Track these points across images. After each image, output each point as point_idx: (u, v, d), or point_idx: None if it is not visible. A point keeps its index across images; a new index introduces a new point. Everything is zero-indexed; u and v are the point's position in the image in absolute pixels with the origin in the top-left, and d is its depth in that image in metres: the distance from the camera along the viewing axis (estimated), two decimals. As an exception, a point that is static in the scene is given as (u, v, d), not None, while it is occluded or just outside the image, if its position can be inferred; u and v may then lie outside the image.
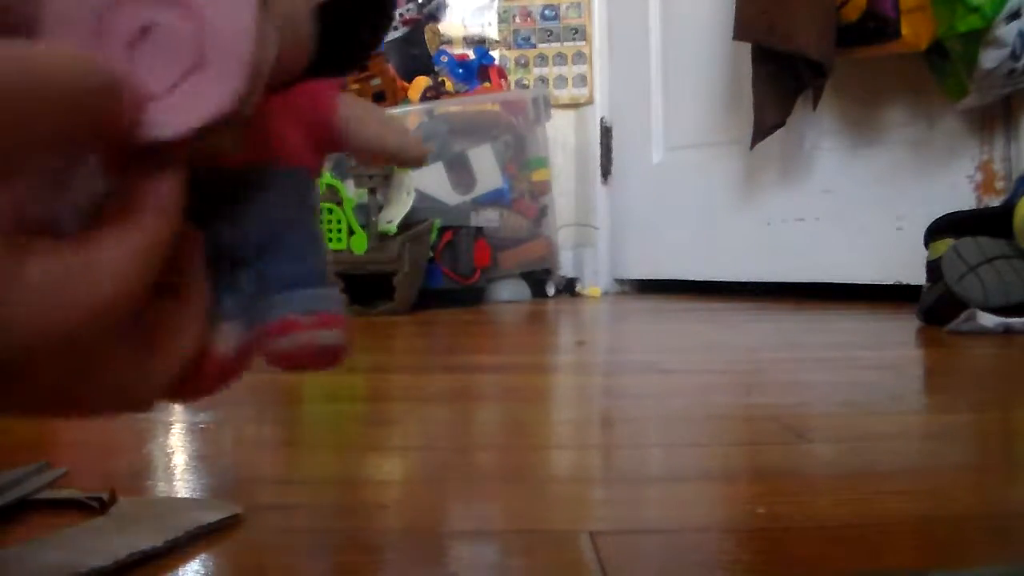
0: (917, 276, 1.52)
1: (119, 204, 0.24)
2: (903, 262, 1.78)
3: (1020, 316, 1.25)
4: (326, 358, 0.28)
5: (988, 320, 1.25)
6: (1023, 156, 1.71)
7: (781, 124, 1.93)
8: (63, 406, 0.24)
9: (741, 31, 1.90)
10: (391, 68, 2.24)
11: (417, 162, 0.31)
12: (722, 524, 0.42)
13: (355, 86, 2.12)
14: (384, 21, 0.32)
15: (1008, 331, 1.23)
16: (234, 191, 0.27)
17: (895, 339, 1.30)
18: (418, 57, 2.43)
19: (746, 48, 1.94)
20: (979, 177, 1.78)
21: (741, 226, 2.25)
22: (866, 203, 1.95)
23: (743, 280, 2.24)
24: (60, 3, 0.24)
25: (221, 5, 0.24)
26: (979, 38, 1.56)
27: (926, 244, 1.48)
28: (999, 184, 1.75)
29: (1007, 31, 1.53)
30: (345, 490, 0.48)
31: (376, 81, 2.17)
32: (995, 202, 1.70)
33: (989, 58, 1.56)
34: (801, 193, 2.10)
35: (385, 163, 0.30)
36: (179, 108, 0.24)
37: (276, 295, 0.28)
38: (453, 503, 0.46)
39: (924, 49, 1.66)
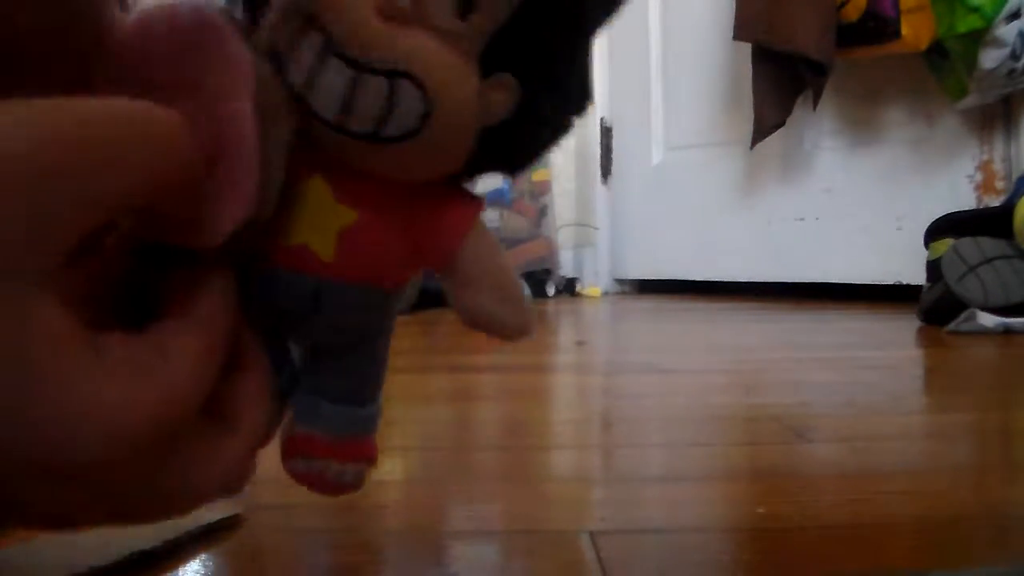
0: (917, 276, 1.52)
1: (176, 294, 0.23)
2: (903, 262, 1.78)
3: (1020, 316, 1.25)
4: (332, 490, 0.27)
5: (988, 320, 1.25)
6: (1023, 156, 1.71)
7: (781, 124, 1.93)
8: (123, 511, 0.22)
9: (741, 31, 1.90)
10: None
11: (518, 338, 0.27)
12: (722, 524, 0.41)
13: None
14: (540, 150, 0.26)
15: (1008, 331, 1.23)
16: (315, 297, 0.25)
17: (895, 339, 1.30)
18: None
19: (746, 48, 1.94)
20: (979, 177, 1.78)
21: (741, 226, 2.25)
22: (866, 203, 1.95)
23: (743, 280, 2.24)
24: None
25: (225, 95, 0.22)
26: (979, 38, 1.56)
27: (926, 244, 1.48)
28: (999, 184, 1.75)
29: (1007, 31, 1.53)
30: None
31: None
32: (995, 202, 1.70)
33: (989, 58, 1.56)
34: (801, 193, 2.10)
35: (480, 329, 0.27)
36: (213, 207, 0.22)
37: (321, 403, 0.27)
38: (453, 503, 0.46)
39: (924, 49, 1.66)
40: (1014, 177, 1.67)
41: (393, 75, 0.22)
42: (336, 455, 0.27)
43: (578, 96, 0.25)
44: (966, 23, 1.55)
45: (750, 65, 1.93)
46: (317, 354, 0.27)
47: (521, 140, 0.25)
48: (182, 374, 0.21)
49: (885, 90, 1.90)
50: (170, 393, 0.20)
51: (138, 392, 0.19)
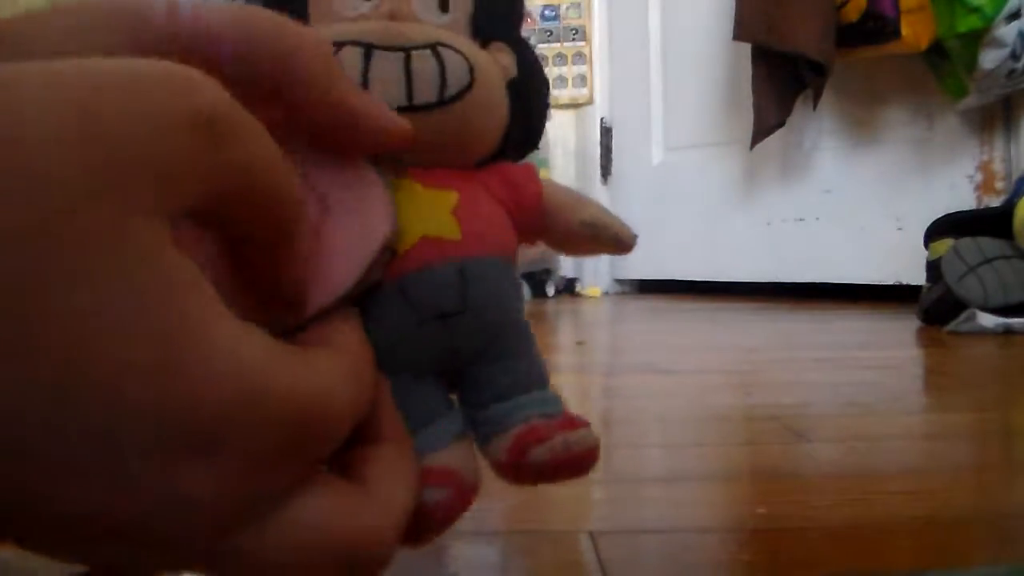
0: (917, 276, 1.52)
1: (314, 334, 0.21)
2: (903, 262, 1.78)
3: (1020, 316, 1.25)
4: (582, 464, 0.25)
5: (988, 320, 1.25)
6: (1023, 156, 1.71)
7: (781, 124, 1.93)
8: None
9: (741, 31, 1.90)
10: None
11: (627, 246, 0.28)
12: (722, 524, 0.42)
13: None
14: (546, 105, 0.30)
15: (1008, 331, 1.23)
16: (461, 281, 0.24)
17: (895, 339, 1.30)
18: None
19: (746, 48, 1.94)
20: (979, 177, 1.78)
21: (741, 226, 2.25)
22: (866, 203, 1.95)
23: (743, 280, 2.24)
24: None
25: (319, 158, 0.22)
26: (979, 38, 1.56)
27: (926, 244, 1.48)
28: (999, 184, 1.75)
29: (1007, 31, 1.53)
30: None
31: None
32: (995, 202, 1.70)
33: (989, 58, 1.56)
34: (801, 193, 2.10)
35: (589, 251, 0.29)
36: (328, 269, 0.21)
37: (508, 401, 0.25)
38: (453, 503, 0.46)
39: (924, 49, 1.66)
40: (1014, 177, 1.67)
41: (433, 46, 0.25)
42: (564, 427, 0.24)
43: (536, 58, 0.29)
44: (966, 23, 1.55)
45: (750, 65, 1.93)
46: (476, 367, 0.25)
47: (533, 94, 0.28)
48: (329, 372, 0.19)
49: (885, 90, 1.90)
50: (317, 384, 0.18)
51: (285, 368, 0.17)
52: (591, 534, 0.38)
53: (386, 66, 0.24)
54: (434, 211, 0.24)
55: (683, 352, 1.19)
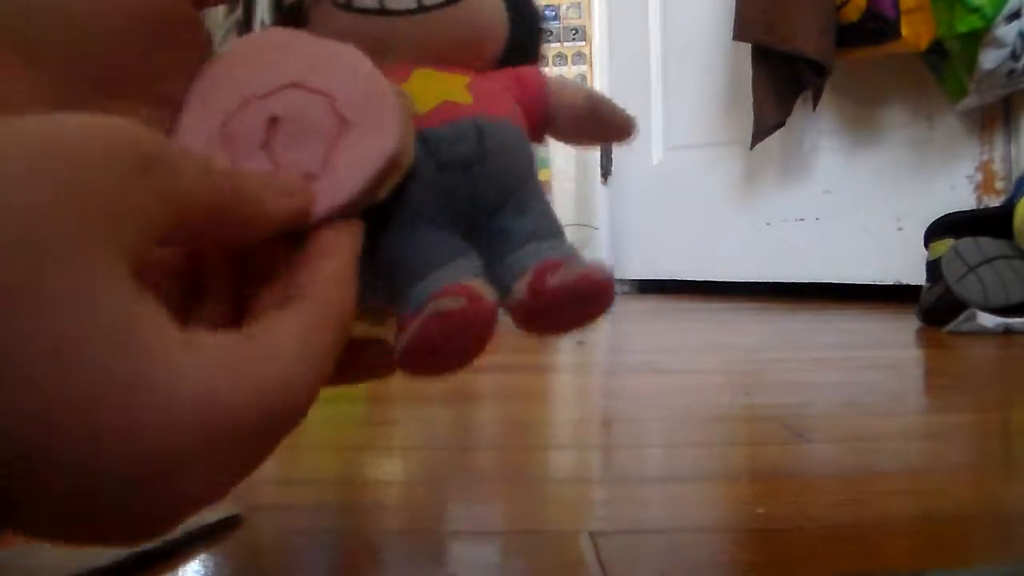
0: (917, 276, 1.52)
1: (283, 286, 0.22)
2: (903, 262, 1.78)
3: (1020, 316, 1.25)
4: (598, 292, 0.25)
5: (988, 320, 1.25)
6: (1023, 156, 1.71)
7: (781, 124, 1.93)
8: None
9: (741, 31, 1.90)
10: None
11: (628, 130, 0.31)
12: (722, 524, 0.42)
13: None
14: (538, 12, 0.32)
15: (1008, 331, 1.23)
16: (478, 135, 0.26)
17: (895, 339, 1.30)
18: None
19: (746, 48, 1.94)
20: (979, 177, 1.78)
21: (741, 226, 2.25)
22: (866, 203, 1.95)
23: (743, 280, 2.24)
24: (182, 135, 0.24)
25: (338, 76, 0.24)
26: (979, 38, 1.56)
27: (926, 244, 1.48)
28: (999, 184, 1.74)
29: (1007, 31, 1.53)
30: (345, 490, 0.48)
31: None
32: (995, 202, 1.70)
33: (989, 58, 1.56)
34: (801, 193, 2.10)
35: (594, 139, 0.31)
36: (343, 173, 0.23)
37: (525, 247, 0.26)
38: (453, 503, 0.46)
39: (924, 49, 1.66)
40: (1014, 177, 1.67)
41: None
42: (582, 263, 0.25)
43: None
44: (966, 23, 1.55)
45: (750, 65, 1.93)
46: (494, 220, 0.27)
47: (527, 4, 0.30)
48: (291, 349, 0.19)
49: (885, 90, 1.90)
50: (266, 386, 0.18)
51: (229, 385, 0.17)
52: (591, 534, 0.38)
53: None
54: (448, 85, 0.27)
55: (683, 352, 1.19)
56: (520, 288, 0.25)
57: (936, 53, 1.69)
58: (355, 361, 0.24)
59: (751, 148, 1.99)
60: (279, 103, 0.24)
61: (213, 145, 0.23)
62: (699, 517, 0.42)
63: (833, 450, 0.57)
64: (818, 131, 2.05)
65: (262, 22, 2.08)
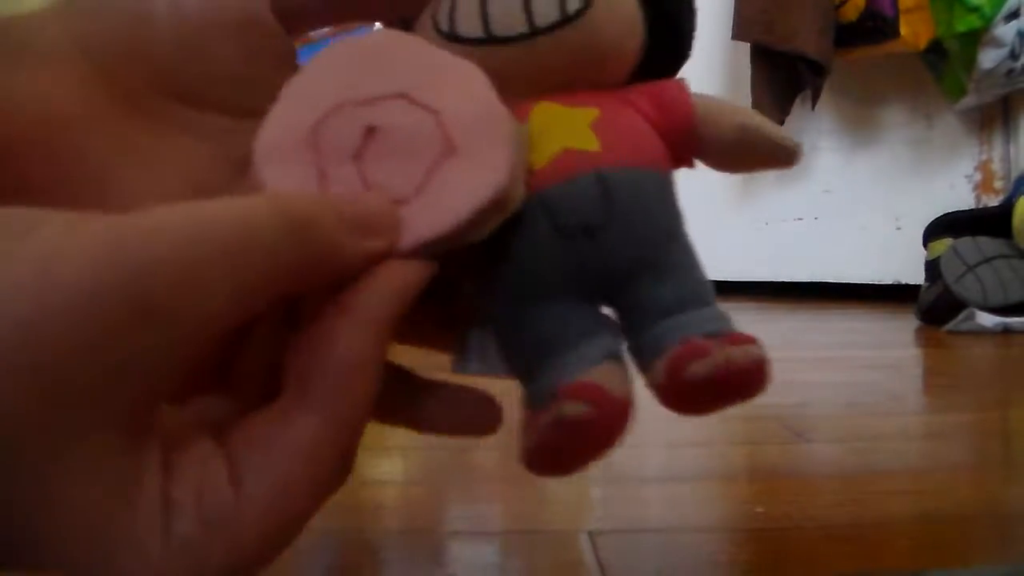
0: (916, 276, 1.52)
1: (309, 342, 0.19)
2: (902, 262, 1.78)
3: (1019, 315, 1.25)
4: (747, 382, 0.22)
5: (987, 320, 1.25)
6: (1022, 156, 1.71)
7: (780, 124, 1.93)
8: None
9: (740, 31, 1.90)
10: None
11: (790, 162, 0.26)
12: (721, 524, 0.41)
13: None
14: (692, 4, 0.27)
15: (1007, 331, 1.23)
16: (603, 191, 0.22)
17: (894, 339, 1.30)
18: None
19: (745, 48, 1.94)
20: (978, 177, 1.78)
21: (740, 226, 2.25)
22: (865, 203, 1.95)
23: (742, 280, 2.24)
24: (269, 130, 0.21)
25: (449, 91, 0.21)
26: (977, 38, 1.56)
27: (925, 244, 1.48)
28: (998, 184, 1.75)
29: (1006, 31, 1.53)
30: (345, 490, 0.48)
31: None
32: (994, 202, 1.70)
33: (988, 58, 1.56)
34: (800, 193, 2.10)
35: (749, 163, 0.27)
36: (438, 204, 0.20)
37: (666, 321, 0.23)
38: (453, 503, 0.46)
39: (923, 49, 1.66)
40: (1013, 177, 1.67)
41: None
42: (725, 343, 0.22)
43: None
44: (965, 23, 1.55)
45: (749, 65, 1.93)
46: (630, 287, 0.23)
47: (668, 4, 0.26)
48: (269, 489, 0.17)
49: (884, 90, 1.90)
50: (244, 544, 0.17)
51: (217, 547, 0.17)
52: (590, 534, 0.38)
53: None
54: (572, 127, 0.23)
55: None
56: (659, 372, 0.22)
57: (935, 52, 1.69)
58: (454, 414, 0.23)
59: (750, 148, 1.99)
60: (380, 112, 0.21)
61: (300, 147, 0.21)
62: (698, 517, 0.42)
63: (833, 450, 0.57)
64: (817, 131, 2.05)
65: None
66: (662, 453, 0.57)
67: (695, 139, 0.25)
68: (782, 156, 0.26)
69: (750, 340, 0.22)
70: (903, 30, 1.64)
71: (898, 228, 1.87)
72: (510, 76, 0.23)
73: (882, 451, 0.56)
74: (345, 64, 0.22)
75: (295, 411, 0.18)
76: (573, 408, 0.21)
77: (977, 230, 1.38)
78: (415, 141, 0.21)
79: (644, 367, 0.23)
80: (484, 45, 0.23)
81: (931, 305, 1.37)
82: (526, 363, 0.23)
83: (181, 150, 0.23)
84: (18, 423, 0.15)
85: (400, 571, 0.36)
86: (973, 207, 1.74)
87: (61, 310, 0.15)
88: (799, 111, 1.96)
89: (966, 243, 1.35)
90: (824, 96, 1.88)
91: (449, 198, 0.20)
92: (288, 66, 0.24)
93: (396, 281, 0.19)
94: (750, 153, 0.26)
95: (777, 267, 2.14)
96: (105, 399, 0.15)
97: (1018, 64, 1.55)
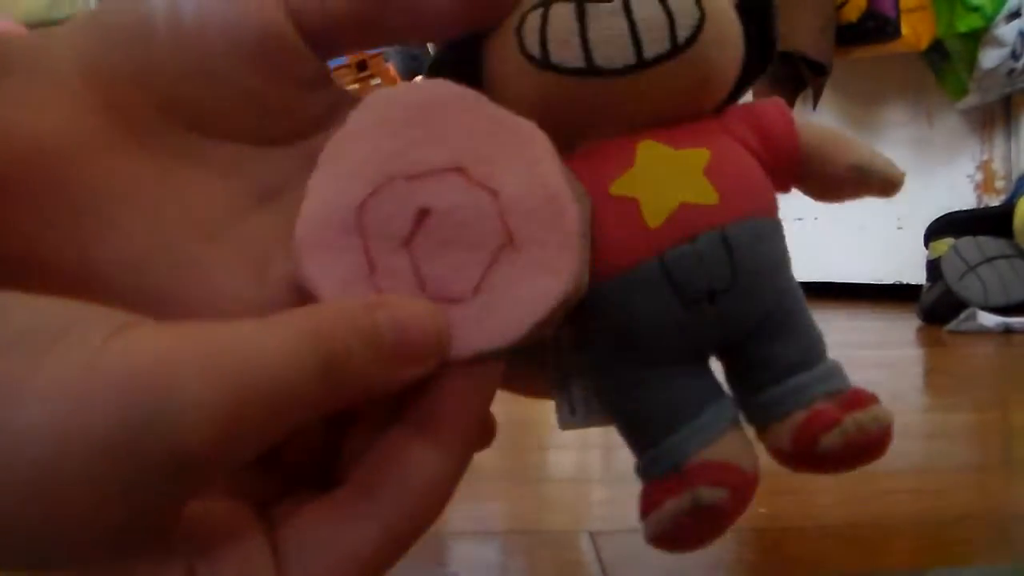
0: (917, 275, 1.52)
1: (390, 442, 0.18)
2: (903, 261, 1.78)
3: (1020, 315, 1.25)
4: (878, 447, 0.22)
5: (988, 319, 1.25)
6: (1023, 156, 1.70)
7: (781, 124, 1.93)
8: None
9: (741, 31, 1.90)
10: (391, 68, 2.24)
11: (895, 188, 0.25)
12: (722, 524, 0.42)
13: (354, 86, 2.12)
14: (776, 10, 0.25)
15: (1008, 330, 1.23)
16: (727, 252, 0.21)
17: (895, 338, 1.30)
18: (418, 57, 2.43)
19: (746, 48, 1.94)
20: (979, 176, 1.78)
21: (741, 226, 2.25)
22: (866, 202, 1.91)
23: (743, 280, 2.24)
24: (312, 208, 0.19)
25: (509, 166, 0.19)
26: (979, 38, 1.56)
27: (926, 244, 1.48)
28: (999, 183, 1.74)
29: (1007, 30, 1.53)
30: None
31: (376, 81, 2.17)
32: (995, 201, 1.70)
33: (989, 58, 1.56)
34: (801, 193, 2.10)
35: (851, 196, 0.26)
36: (496, 311, 0.18)
37: (787, 381, 0.22)
38: (455, 503, 0.46)
39: (924, 49, 1.66)
40: (1014, 177, 1.67)
41: None
42: (852, 406, 0.21)
43: None
44: (966, 22, 1.55)
45: (750, 65, 1.93)
46: (749, 346, 0.22)
47: (763, 6, 0.24)
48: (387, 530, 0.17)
49: (885, 90, 1.90)
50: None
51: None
52: (591, 534, 0.38)
53: (606, 21, 0.20)
54: (685, 173, 0.21)
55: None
56: (783, 438, 0.22)
57: (936, 52, 1.69)
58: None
59: (751, 148, 1.99)
60: (434, 191, 0.19)
61: (346, 229, 0.19)
62: (699, 517, 0.42)
63: (833, 450, 0.57)
64: (818, 130, 2.05)
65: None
66: (663, 453, 0.57)
67: (799, 173, 0.24)
68: (889, 189, 0.25)
69: (873, 400, 0.22)
70: (904, 30, 1.64)
71: (899, 228, 1.87)
72: (607, 110, 0.21)
73: (883, 451, 0.56)
74: (394, 124, 0.19)
75: (357, 515, 0.18)
76: (711, 494, 0.21)
77: (978, 230, 1.38)
78: (472, 229, 0.18)
79: (761, 427, 0.22)
80: (583, 76, 0.21)
81: (932, 305, 1.37)
82: (643, 428, 0.22)
83: (190, 184, 0.21)
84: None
85: (400, 571, 0.36)
86: (974, 207, 1.74)
87: (80, 462, 0.14)
88: (800, 111, 1.95)
89: (967, 243, 1.34)
90: (825, 96, 1.87)
91: (507, 305, 0.18)
92: (317, 90, 0.22)
93: (466, 399, 0.18)
94: (858, 190, 0.25)
95: (778, 267, 2.14)
96: (117, 536, 0.15)
97: (1019, 64, 1.55)
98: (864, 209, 1.94)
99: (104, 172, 0.20)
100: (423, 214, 0.19)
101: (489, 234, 0.18)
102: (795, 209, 2.23)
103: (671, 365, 0.22)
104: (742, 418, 0.23)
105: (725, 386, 0.23)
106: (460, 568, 0.36)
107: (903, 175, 0.25)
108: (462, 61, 0.22)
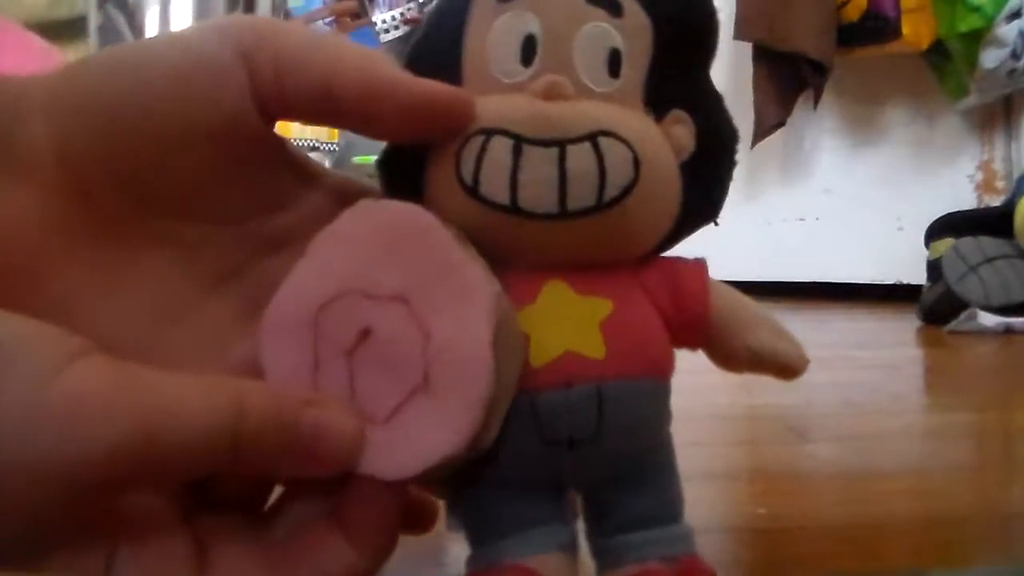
0: (917, 276, 1.52)
1: (316, 524, 0.21)
2: (903, 262, 1.78)
3: (1020, 316, 1.25)
4: None
5: (988, 320, 1.25)
6: (1023, 156, 1.70)
7: (782, 124, 1.93)
8: None
9: (741, 31, 1.90)
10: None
11: (793, 374, 0.25)
12: (722, 524, 0.41)
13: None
14: (729, 171, 0.26)
15: (1008, 331, 1.23)
16: (598, 408, 0.22)
17: (895, 339, 1.30)
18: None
19: (747, 48, 1.94)
20: (979, 177, 1.78)
21: (741, 226, 2.24)
22: (866, 203, 1.95)
23: (743, 280, 2.23)
24: (283, 299, 0.21)
25: (448, 314, 0.20)
26: (980, 38, 1.56)
27: (926, 244, 1.48)
28: (999, 184, 1.74)
29: (1007, 31, 1.53)
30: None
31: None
32: (995, 202, 1.70)
33: (989, 58, 1.56)
34: (801, 193, 2.10)
35: (748, 372, 0.26)
36: (397, 447, 0.20)
37: (629, 535, 0.23)
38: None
39: (924, 49, 1.66)
40: (1014, 177, 1.67)
41: (592, 137, 0.21)
42: (683, 572, 0.23)
43: (724, 112, 0.26)
44: (967, 23, 1.55)
45: (750, 65, 1.92)
46: (603, 493, 0.23)
47: (711, 169, 0.25)
48: None
49: (885, 90, 1.90)
50: None
51: None
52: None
53: (538, 165, 0.21)
54: (581, 323, 0.22)
55: (683, 352, 1.19)
56: None
57: (937, 52, 1.69)
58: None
59: (751, 147, 1.99)
60: (378, 315, 0.21)
61: (304, 326, 0.21)
62: (699, 517, 0.42)
63: (833, 450, 0.57)
64: (819, 130, 2.05)
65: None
66: (663, 453, 0.57)
67: (704, 338, 0.25)
68: (787, 375, 0.25)
69: (707, 572, 0.23)
70: (905, 30, 1.64)
71: (900, 228, 1.87)
72: (525, 247, 0.22)
73: (883, 451, 0.56)
74: (367, 238, 0.21)
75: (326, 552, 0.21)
76: None
77: (979, 230, 1.38)
78: (399, 362, 0.20)
79: (600, 570, 0.23)
80: (506, 213, 0.22)
81: (933, 305, 1.37)
82: (480, 530, 0.23)
83: (154, 270, 0.22)
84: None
85: (401, 571, 0.36)
86: (975, 207, 1.73)
87: (13, 474, 0.16)
88: (801, 111, 1.96)
89: (968, 243, 1.34)
90: (826, 96, 1.87)
91: (407, 444, 0.20)
92: (277, 170, 0.23)
93: (376, 506, 0.21)
94: (753, 368, 0.25)
95: (778, 267, 2.14)
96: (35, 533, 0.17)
97: (1020, 64, 1.55)
98: (864, 209, 1.94)
99: (71, 260, 0.20)
100: (366, 333, 0.21)
101: (411, 372, 0.20)
102: (795, 209, 2.23)
103: (524, 489, 0.22)
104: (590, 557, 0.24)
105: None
106: (460, 568, 0.36)
107: (804, 362, 0.25)
108: (412, 159, 0.23)
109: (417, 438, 0.20)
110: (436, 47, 0.24)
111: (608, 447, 0.22)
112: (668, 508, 0.24)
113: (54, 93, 0.21)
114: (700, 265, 0.25)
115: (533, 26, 0.23)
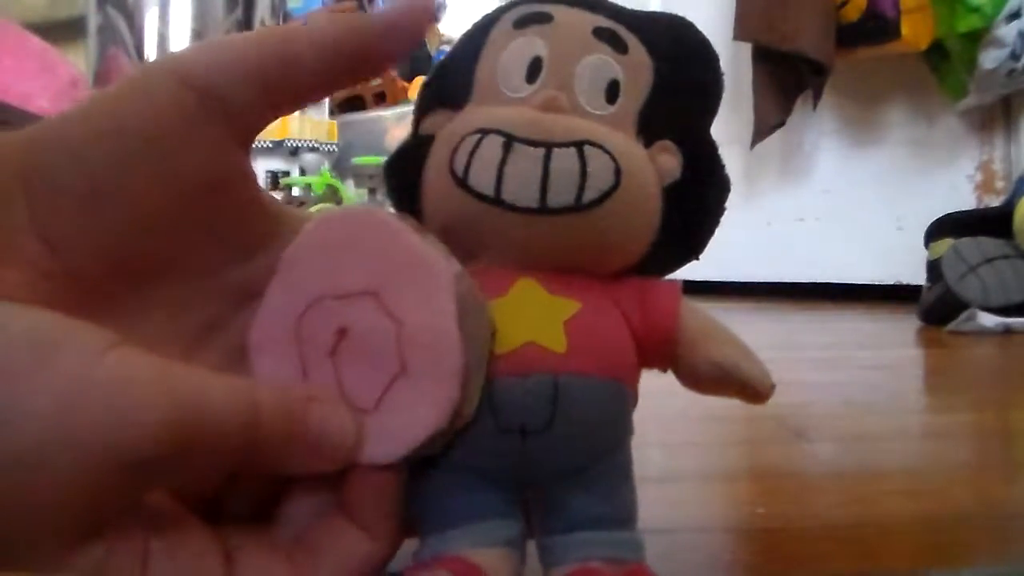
0: (917, 276, 1.52)
1: (328, 516, 0.22)
2: (903, 262, 1.78)
3: (1020, 316, 1.25)
4: None
5: (988, 320, 1.25)
6: (1023, 156, 1.71)
7: (781, 124, 1.93)
8: None
9: (741, 31, 1.90)
10: (391, 68, 2.24)
11: (758, 397, 0.26)
12: (722, 524, 0.41)
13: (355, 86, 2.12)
14: (716, 211, 0.27)
15: (1008, 331, 1.23)
16: (552, 398, 0.22)
17: (895, 339, 1.30)
18: (418, 57, 2.43)
19: (746, 48, 1.94)
20: (979, 177, 1.78)
21: (741, 226, 2.25)
22: (866, 203, 1.95)
23: (743, 280, 2.24)
24: (263, 319, 0.23)
25: (415, 299, 0.21)
26: (979, 38, 1.56)
27: (926, 244, 1.48)
28: (999, 184, 1.74)
29: (1007, 31, 1.53)
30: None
31: (376, 81, 2.17)
32: (995, 202, 1.70)
33: (989, 58, 1.56)
34: (801, 193, 2.10)
35: (715, 392, 0.27)
36: (387, 432, 0.21)
37: (576, 533, 0.23)
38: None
39: (924, 49, 1.66)
40: (1014, 177, 1.67)
41: (579, 144, 0.23)
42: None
43: (717, 159, 0.27)
44: (966, 23, 1.55)
45: (750, 65, 1.93)
46: (553, 490, 0.23)
47: (695, 200, 0.26)
48: None
49: (885, 90, 1.90)
50: None
51: None
52: (591, 534, 0.38)
53: (524, 162, 0.23)
54: (546, 319, 0.23)
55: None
56: None
57: (936, 53, 1.69)
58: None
59: (751, 148, 1.99)
60: (351, 313, 0.22)
61: (287, 339, 0.23)
62: (699, 517, 0.42)
63: (833, 450, 0.57)
64: (818, 131, 2.05)
65: (262, 21, 2.07)
66: (662, 453, 0.57)
67: (671, 356, 0.25)
68: (750, 396, 0.26)
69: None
70: (904, 30, 1.64)
71: (899, 228, 1.87)
72: (504, 239, 0.24)
73: (882, 451, 0.56)
74: (330, 245, 0.23)
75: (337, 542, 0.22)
76: None
77: (978, 230, 1.38)
78: (377, 352, 0.22)
79: (544, 569, 0.24)
80: (489, 203, 0.23)
81: (932, 305, 1.37)
82: (430, 519, 0.23)
83: (142, 334, 0.22)
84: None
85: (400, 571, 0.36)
86: (974, 207, 1.73)
87: (64, 448, 0.17)
88: (800, 111, 1.96)
89: (967, 243, 1.34)
90: (825, 96, 1.88)
91: (396, 427, 0.21)
92: (249, 213, 0.24)
93: (381, 493, 0.22)
94: (718, 388, 0.26)
95: (778, 267, 2.14)
96: (82, 512, 0.18)
97: (1019, 64, 1.55)
98: (864, 210, 1.94)
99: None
100: (343, 332, 0.22)
101: (389, 359, 0.21)
102: (795, 209, 2.24)
103: (477, 480, 0.23)
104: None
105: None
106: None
107: (770, 387, 0.26)
108: (418, 157, 0.25)
109: (403, 421, 0.21)
110: (456, 65, 0.26)
111: (560, 441, 0.23)
112: (618, 512, 0.24)
113: (31, 165, 0.20)
114: (673, 286, 0.26)
115: (541, 50, 0.25)
